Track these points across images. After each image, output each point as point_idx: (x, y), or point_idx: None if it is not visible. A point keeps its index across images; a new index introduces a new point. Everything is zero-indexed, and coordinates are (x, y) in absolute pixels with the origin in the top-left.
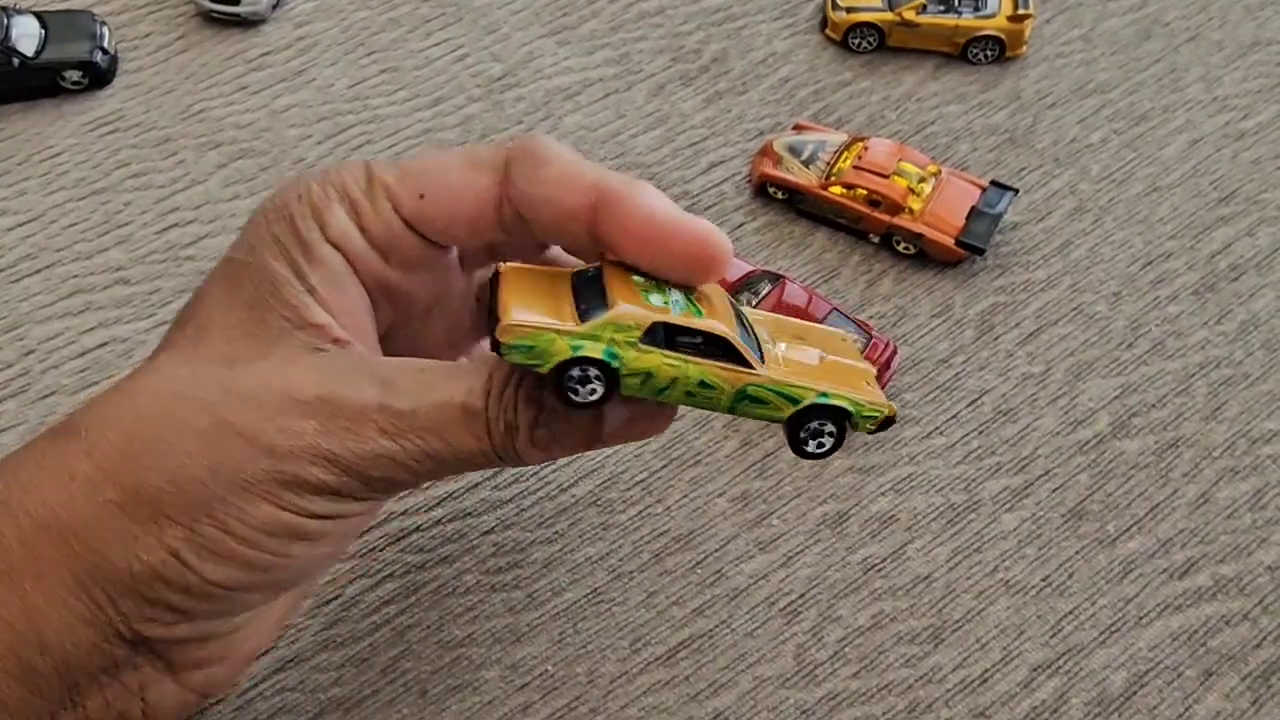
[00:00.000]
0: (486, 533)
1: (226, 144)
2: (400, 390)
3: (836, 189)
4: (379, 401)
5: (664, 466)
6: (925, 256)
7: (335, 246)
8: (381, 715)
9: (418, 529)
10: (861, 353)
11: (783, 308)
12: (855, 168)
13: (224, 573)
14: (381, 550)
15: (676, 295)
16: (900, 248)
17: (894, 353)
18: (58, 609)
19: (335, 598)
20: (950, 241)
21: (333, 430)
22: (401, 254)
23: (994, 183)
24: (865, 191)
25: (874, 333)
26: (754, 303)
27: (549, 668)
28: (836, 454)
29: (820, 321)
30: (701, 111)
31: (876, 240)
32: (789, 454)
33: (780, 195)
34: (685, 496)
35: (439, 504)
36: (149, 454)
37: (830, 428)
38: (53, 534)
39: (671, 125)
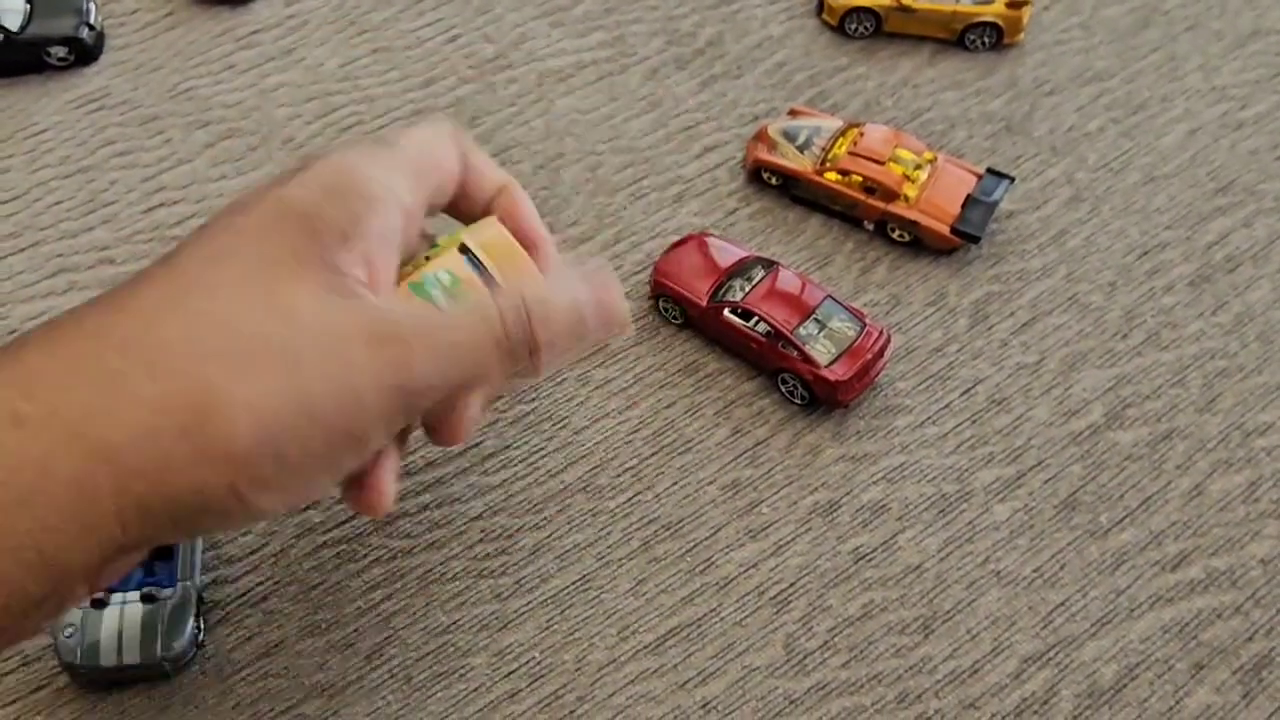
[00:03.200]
0: (474, 519)
1: (214, 123)
2: (430, 322)
3: (831, 175)
4: (421, 330)
5: (654, 454)
6: (920, 244)
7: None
8: (366, 701)
9: (404, 515)
10: (854, 341)
11: (776, 294)
12: (851, 154)
13: (271, 503)
14: (368, 535)
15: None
16: (895, 235)
17: (887, 341)
18: (77, 535)
19: (320, 583)
20: (945, 229)
21: (386, 364)
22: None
23: (990, 170)
24: (861, 178)
25: (867, 321)
26: (748, 289)
27: (536, 655)
28: (829, 444)
29: (814, 309)
30: (696, 95)
31: (871, 227)
32: (780, 443)
33: (774, 181)
34: (675, 484)
35: (426, 490)
36: (223, 400)
37: None
38: (108, 463)
39: (665, 109)
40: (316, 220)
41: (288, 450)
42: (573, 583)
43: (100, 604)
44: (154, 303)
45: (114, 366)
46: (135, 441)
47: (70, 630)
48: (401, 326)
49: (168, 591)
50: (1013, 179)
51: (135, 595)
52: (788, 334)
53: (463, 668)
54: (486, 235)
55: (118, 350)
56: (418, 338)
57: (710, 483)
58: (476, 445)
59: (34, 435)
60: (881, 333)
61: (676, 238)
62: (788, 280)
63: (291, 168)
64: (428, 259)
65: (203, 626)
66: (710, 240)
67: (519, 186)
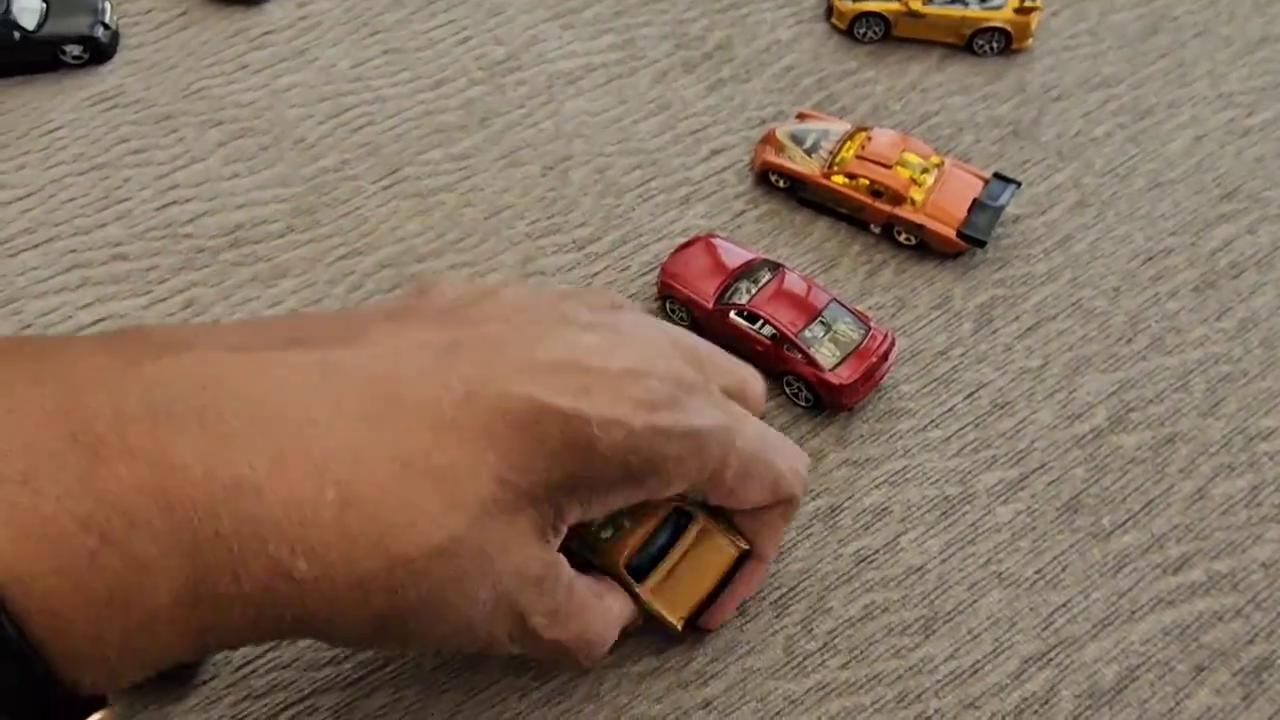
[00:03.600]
0: None
1: (227, 122)
2: (555, 617)
3: (839, 178)
4: (539, 628)
5: None
6: (926, 248)
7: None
8: (381, 694)
9: None
10: (859, 345)
11: (781, 296)
12: (858, 157)
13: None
14: None
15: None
16: (901, 239)
17: (892, 344)
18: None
19: None
20: (951, 233)
21: (502, 635)
22: None
23: (997, 175)
24: (867, 181)
25: (872, 324)
26: (754, 291)
27: None
28: (832, 448)
29: (819, 312)
30: (704, 99)
31: (877, 231)
32: None
33: (782, 184)
34: None
35: None
36: (424, 610)
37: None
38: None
39: (674, 111)
40: (586, 472)
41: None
42: None
43: None
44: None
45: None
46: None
47: None
48: (536, 621)
49: None
50: (1019, 184)
51: None
52: (792, 337)
53: (475, 664)
54: (716, 549)
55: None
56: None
57: None
58: None
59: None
60: (886, 336)
61: (684, 239)
62: (794, 283)
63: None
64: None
65: None
66: (717, 242)
67: (765, 562)
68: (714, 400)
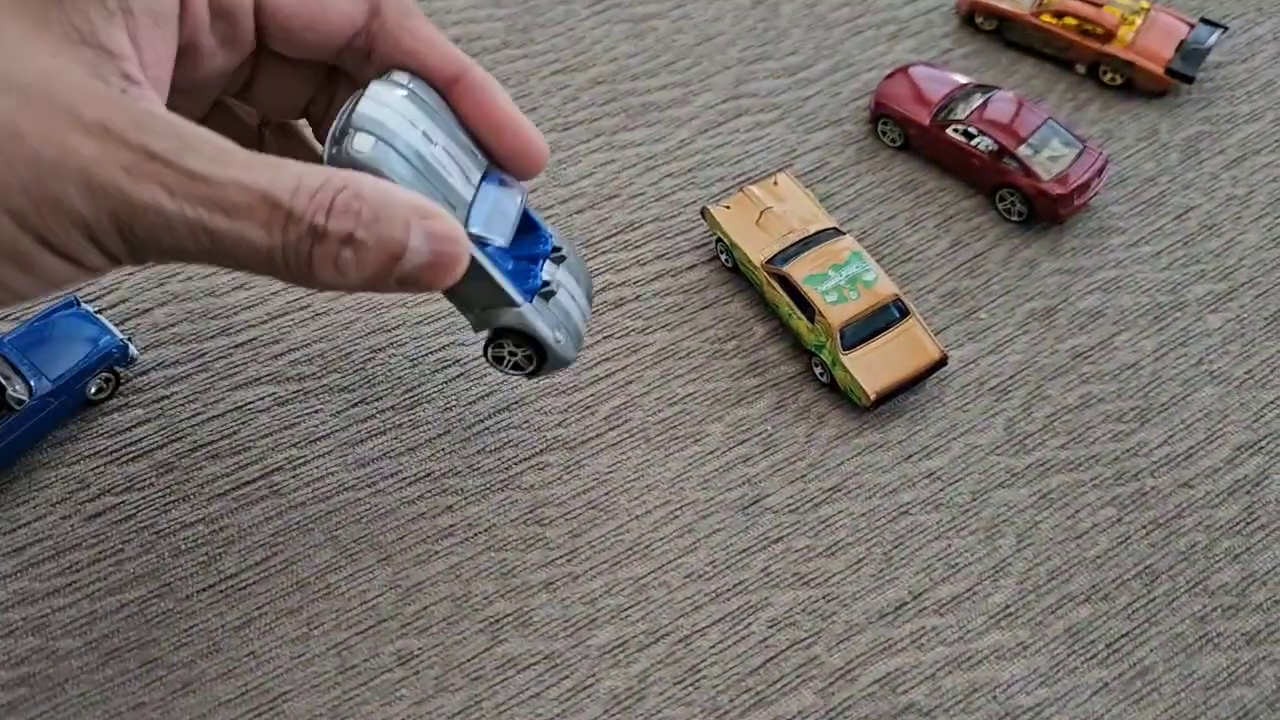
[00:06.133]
0: (706, 307)
1: None
2: (199, 153)
3: (1047, 17)
4: (171, 155)
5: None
6: (1131, 87)
7: None
8: (608, 455)
9: (637, 298)
10: (1075, 160)
11: (997, 114)
12: None
13: None
14: (602, 314)
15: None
16: (1106, 78)
17: (1105, 163)
18: None
19: None
20: (1160, 70)
21: (110, 162)
22: (230, 36)
23: (1203, 19)
24: (1075, 21)
25: (1087, 143)
26: (969, 110)
27: (768, 428)
28: (1045, 257)
29: (1036, 129)
30: None
31: (1082, 70)
32: (997, 255)
33: (988, 25)
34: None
35: (658, 278)
36: None
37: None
38: None
39: None
40: None
41: None
42: (802, 371)
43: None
44: None
45: None
46: None
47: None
48: (160, 145)
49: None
50: (1225, 28)
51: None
52: (1012, 150)
53: (698, 434)
54: (919, 347)
55: None
56: (172, 172)
57: (930, 291)
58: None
59: None
60: (1100, 154)
61: (892, 69)
62: (1008, 103)
63: None
64: None
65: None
66: (929, 69)
67: (486, 74)
68: None
